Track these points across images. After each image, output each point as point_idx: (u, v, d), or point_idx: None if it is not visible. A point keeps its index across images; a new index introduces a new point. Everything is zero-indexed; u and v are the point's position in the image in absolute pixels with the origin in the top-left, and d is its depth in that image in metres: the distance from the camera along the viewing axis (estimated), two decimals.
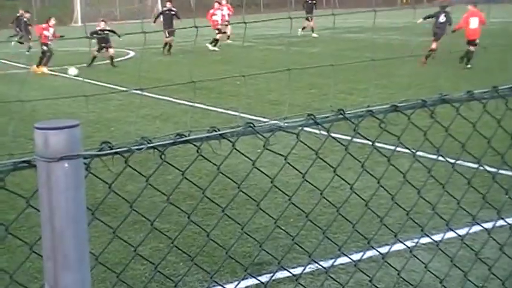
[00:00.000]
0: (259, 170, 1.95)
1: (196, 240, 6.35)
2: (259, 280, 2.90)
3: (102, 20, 24.94)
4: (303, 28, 32.14)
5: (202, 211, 7.07)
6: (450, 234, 3.16)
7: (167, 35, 26.40)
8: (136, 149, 1.58)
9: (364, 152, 6.24)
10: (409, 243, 5.84)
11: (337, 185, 7.18)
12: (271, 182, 1.94)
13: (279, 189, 2.23)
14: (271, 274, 5.26)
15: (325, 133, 1.98)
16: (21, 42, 29.66)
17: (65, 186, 1.49)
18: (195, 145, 1.73)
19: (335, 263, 5.64)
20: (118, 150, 1.57)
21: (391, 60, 15.75)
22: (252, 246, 6.17)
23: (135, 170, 1.81)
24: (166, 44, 26.76)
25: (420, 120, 2.35)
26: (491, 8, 34.49)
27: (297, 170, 2.14)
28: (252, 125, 1.69)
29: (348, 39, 28.16)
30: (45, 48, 23.05)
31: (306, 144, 2.02)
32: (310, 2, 33.48)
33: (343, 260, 5.49)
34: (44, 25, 23.58)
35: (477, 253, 2.81)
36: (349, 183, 2.30)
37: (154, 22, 28.62)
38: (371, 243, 2.50)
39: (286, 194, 2.11)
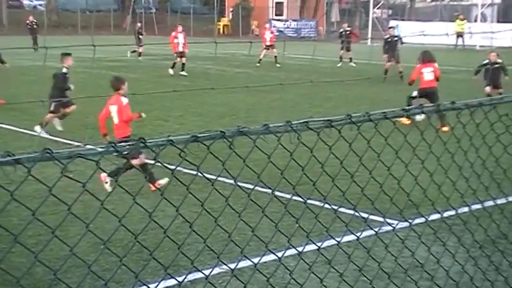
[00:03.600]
0: (17, 202, 1.94)
1: None
2: None
3: None
4: (133, 51, 32.40)
5: None
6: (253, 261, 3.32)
7: None
8: None
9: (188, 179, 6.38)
10: (217, 270, 6.04)
11: (151, 211, 7.17)
12: (68, 209, 1.94)
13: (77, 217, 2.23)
14: None
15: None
16: None
17: None
18: None
19: None
20: None
21: (207, 89, 16.04)
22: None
23: None
24: None
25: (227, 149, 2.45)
26: (298, 45, 36.16)
27: (96, 197, 2.15)
28: (49, 150, 1.69)
29: (166, 66, 28.21)
30: None
31: (103, 170, 2.05)
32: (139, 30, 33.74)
33: None
34: None
35: (268, 279, 2.97)
36: (147, 210, 2.36)
37: None
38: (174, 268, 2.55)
39: (84, 221, 2.11)
